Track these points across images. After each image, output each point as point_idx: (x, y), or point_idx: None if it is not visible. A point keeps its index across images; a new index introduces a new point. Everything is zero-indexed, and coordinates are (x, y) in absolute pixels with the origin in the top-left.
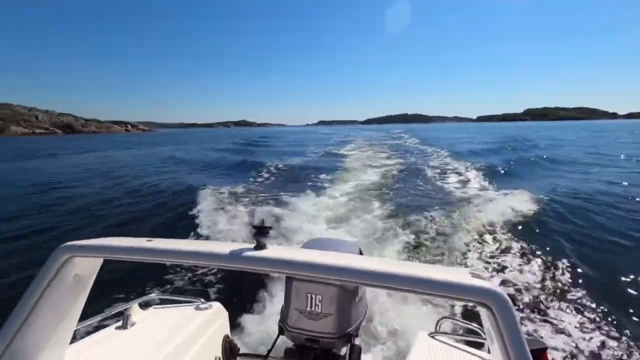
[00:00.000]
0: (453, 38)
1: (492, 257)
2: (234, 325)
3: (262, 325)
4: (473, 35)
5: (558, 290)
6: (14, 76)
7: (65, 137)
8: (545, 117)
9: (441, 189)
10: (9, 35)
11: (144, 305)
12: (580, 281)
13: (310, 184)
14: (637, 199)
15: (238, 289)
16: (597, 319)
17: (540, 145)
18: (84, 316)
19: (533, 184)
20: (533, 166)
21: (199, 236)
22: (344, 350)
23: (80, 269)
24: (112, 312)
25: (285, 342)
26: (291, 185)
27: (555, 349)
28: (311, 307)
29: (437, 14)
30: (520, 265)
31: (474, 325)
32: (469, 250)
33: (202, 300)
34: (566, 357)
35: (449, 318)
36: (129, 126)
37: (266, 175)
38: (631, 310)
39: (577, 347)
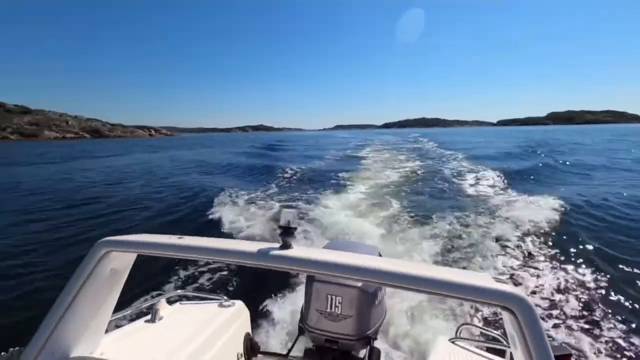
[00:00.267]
0: (464, 45)
1: (515, 262)
2: (255, 323)
3: (282, 324)
4: (489, 37)
5: (582, 299)
6: (44, 84)
7: (93, 141)
8: (571, 120)
9: (464, 192)
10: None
11: (171, 301)
12: (603, 289)
13: (332, 183)
14: None
15: (259, 289)
16: (623, 330)
17: (566, 150)
18: (116, 308)
19: (560, 190)
20: (560, 171)
21: (223, 235)
22: (363, 353)
23: (116, 263)
24: (143, 306)
25: (305, 342)
26: (314, 186)
27: (579, 356)
28: (331, 308)
29: (446, 22)
30: (543, 271)
31: (494, 332)
32: (492, 255)
33: (225, 297)
34: None
35: (469, 324)
36: (152, 131)
37: (289, 176)
38: None
39: (601, 353)
